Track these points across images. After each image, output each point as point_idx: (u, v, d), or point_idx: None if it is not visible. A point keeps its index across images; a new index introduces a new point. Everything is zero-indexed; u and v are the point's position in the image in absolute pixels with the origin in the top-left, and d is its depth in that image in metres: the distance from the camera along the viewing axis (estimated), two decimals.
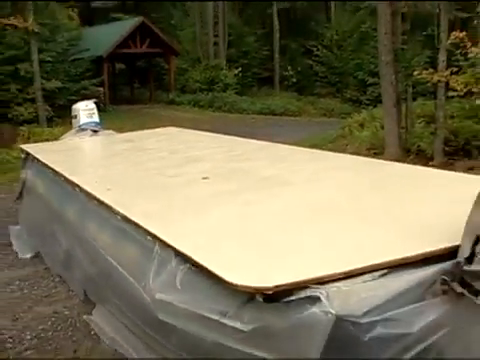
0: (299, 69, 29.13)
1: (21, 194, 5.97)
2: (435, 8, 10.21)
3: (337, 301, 1.76)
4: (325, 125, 16.22)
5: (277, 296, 1.82)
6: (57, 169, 4.45)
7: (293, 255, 2.10)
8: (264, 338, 1.87)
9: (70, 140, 6.97)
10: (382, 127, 10.41)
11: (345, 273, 1.86)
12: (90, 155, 6.05)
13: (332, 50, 27.59)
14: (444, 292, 2.00)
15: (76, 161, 5.34)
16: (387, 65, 9.48)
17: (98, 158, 5.86)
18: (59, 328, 3.97)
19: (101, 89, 21.11)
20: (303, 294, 1.79)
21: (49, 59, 18.20)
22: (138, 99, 26.48)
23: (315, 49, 27.96)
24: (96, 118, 7.16)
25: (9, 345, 3.77)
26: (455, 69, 8.87)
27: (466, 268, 1.97)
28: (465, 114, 10.00)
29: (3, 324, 4.10)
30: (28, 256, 5.43)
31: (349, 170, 3.78)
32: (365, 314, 1.78)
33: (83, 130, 7.02)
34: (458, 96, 9.22)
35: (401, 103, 9.76)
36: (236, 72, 25.97)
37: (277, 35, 29.67)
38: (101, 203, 3.26)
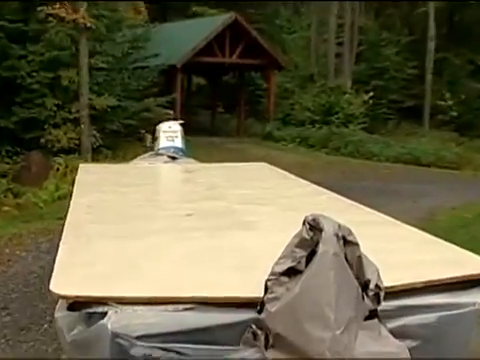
0: (463, 97, 28.95)
1: None
2: None
3: (122, 320, 2.62)
4: None
5: (80, 306, 2.75)
6: (74, 190, 5.83)
7: (132, 277, 3.07)
8: (80, 342, 2.82)
9: (134, 164, 7.95)
10: None
11: (149, 298, 2.72)
12: (124, 181, 6.72)
13: None
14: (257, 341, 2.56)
15: (101, 184, 6.32)
16: None
17: (129, 184, 6.56)
18: None
19: (171, 112, 21.23)
20: (100, 309, 2.68)
21: (103, 65, 18.93)
22: (221, 130, 27.30)
23: None
24: (178, 143, 8.18)
25: None
26: None
27: (259, 317, 2.55)
28: None
29: None
30: None
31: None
32: (140, 338, 2.59)
33: (159, 155, 7.91)
34: None
35: None
36: (366, 98, 26.24)
37: (432, 45, 29.69)
38: None
